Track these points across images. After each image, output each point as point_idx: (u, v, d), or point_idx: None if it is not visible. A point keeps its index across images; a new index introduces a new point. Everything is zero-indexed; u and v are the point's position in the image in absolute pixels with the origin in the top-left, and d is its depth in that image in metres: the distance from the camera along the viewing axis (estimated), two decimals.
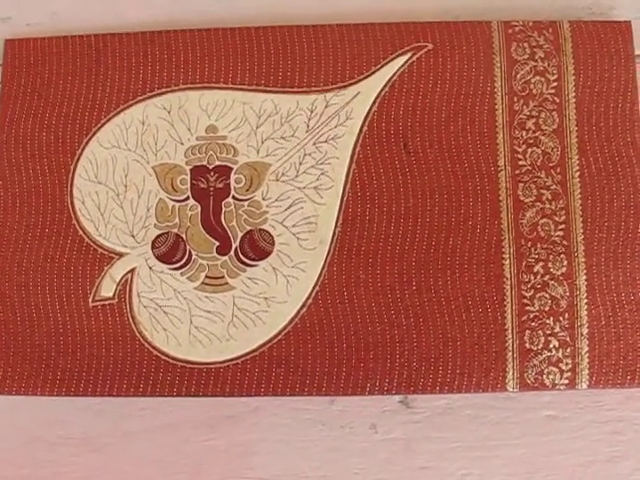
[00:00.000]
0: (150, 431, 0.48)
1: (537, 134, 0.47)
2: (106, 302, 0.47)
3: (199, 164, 0.48)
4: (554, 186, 0.47)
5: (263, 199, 0.47)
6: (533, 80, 0.48)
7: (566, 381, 0.45)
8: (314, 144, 0.47)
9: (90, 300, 0.47)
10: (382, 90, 0.48)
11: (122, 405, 0.48)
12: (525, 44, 0.48)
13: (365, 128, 0.47)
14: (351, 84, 0.48)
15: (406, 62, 0.48)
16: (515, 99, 0.47)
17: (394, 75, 0.48)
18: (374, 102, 0.48)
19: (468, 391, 0.46)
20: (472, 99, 0.47)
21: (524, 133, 0.47)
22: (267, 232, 0.47)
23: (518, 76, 0.48)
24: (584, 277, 0.46)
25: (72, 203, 0.48)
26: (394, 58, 0.48)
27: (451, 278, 0.46)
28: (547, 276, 0.46)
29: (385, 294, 0.46)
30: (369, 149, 0.47)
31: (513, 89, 0.47)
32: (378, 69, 0.48)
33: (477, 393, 0.46)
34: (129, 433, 0.48)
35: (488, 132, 0.47)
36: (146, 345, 0.47)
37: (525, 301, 0.46)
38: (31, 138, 0.48)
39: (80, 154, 0.48)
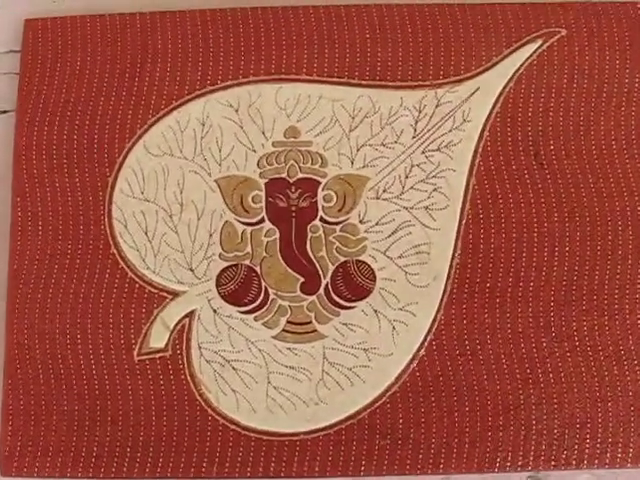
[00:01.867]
0: None
1: None
2: (157, 355, 0.36)
3: (277, 177, 0.37)
4: None
5: (360, 222, 0.37)
6: None
7: None
8: (423, 152, 0.37)
9: (136, 353, 0.36)
10: (506, 86, 0.38)
11: None
12: None
13: (486, 133, 0.38)
14: (468, 78, 0.38)
15: (535, 51, 0.38)
16: None
17: (520, 67, 0.38)
18: (497, 101, 0.38)
19: (622, 466, 0.36)
20: (617, 98, 0.38)
21: None
22: (366, 265, 0.37)
23: None
24: None
25: (111, 226, 0.37)
26: (520, 47, 0.38)
27: (599, 322, 0.37)
28: None
29: (517, 343, 0.36)
30: (492, 159, 0.37)
31: None
32: (501, 60, 0.38)
33: (634, 468, 0.36)
34: None
35: (638, 139, 0.38)
36: (209, 411, 0.36)
37: None
38: (57, 144, 0.38)
39: (121, 163, 0.37)
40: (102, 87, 0.38)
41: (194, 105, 0.38)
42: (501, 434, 0.36)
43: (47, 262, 0.37)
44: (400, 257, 0.37)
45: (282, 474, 0.36)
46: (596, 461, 0.36)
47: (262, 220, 0.37)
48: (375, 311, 0.36)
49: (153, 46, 0.38)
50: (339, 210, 0.37)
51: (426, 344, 0.36)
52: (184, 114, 0.38)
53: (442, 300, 0.37)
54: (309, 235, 0.37)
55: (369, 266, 0.37)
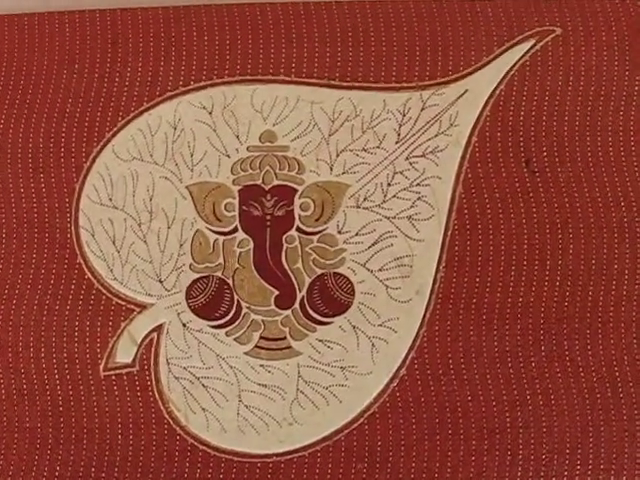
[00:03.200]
0: None
1: None
2: (123, 371, 0.34)
3: (251, 184, 0.35)
4: None
5: (339, 232, 0.35)
6: None
7: None
8: (407, 159, 0.35)
9: (102, 368, 0.35)
10: (497, 88, 0.36)
11: None
12: None
13: (475, 139, 0.35)
14: (456, 79, 0.36)
15: (527, 51, 0.36)
16: None
17: (512, 68, 0.36)
18: (486, 104, 0.36)
19: None
20: (615, 101, 0.36)
21: None
22: (345, 278, 0.35)
23: None
24: None
25: (77, 235, 0.35)
26: (512, 46, 0.36)
27: (592, 341, 0.34)
28: None
29: (504, 363, 0.34)
30: (480, 167, 0.35)
31: None
32: (491, 60, 0.36)
33: None
34: None
35: (637, 145, 0.35)
36: (178, 430, 0.34)
37: None
38: (22, 148, 0.36)
39: (89, 169, 0.36)
40: (69, 88, 0.36)
41: (165, 107, 0.36)
42: (485, 459, 0.34)
43: (11, 272, 0.35)
44: (381, 270, 0.35)
45: None
46: None
47: (235, 229, 0.35)
48: (353, 327, 0.34)
49: (123, 44, 0.36)
50: (317, 219, 0.35)
51: (407, 363, 0.34)
52: (155, 117, 0.36)
53: (425, 316, 0.34)
54: (285, 246, 0.35)
55: (348, 279, 0.35)
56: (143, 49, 0.36)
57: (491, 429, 0.34)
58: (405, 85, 0.36)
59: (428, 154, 0.35)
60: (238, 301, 0.35)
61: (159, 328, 0.35)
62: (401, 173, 0.35)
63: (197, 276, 0.35)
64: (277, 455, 0.34)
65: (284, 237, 0.35)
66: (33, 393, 0.35)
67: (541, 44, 0.36)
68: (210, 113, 0.36)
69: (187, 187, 0.35)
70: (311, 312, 0.34)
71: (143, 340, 0.35)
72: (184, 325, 0.35)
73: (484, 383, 0.34)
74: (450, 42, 0.36)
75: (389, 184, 0.35)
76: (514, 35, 0.36)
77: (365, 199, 0.35)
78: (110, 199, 0.35)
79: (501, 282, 0.35)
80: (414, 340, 0.34)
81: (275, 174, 0.35)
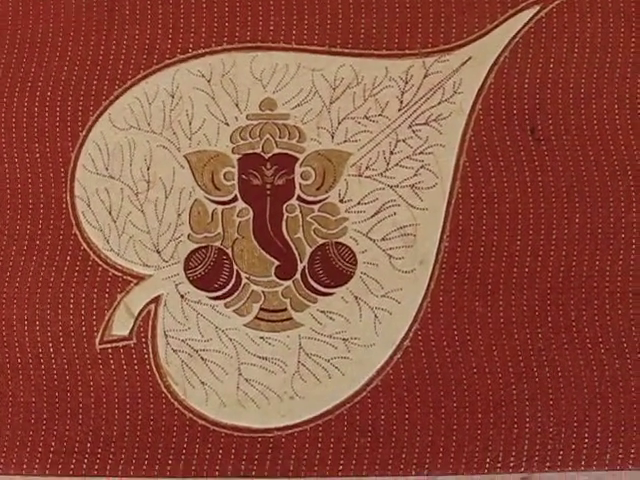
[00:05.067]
0: None
1: None
2: (120, 344, 0.34)
3: (251, 152, 0.34)
4: None
5: (340, 201, 0.34)
6: None
7: None
8: (410, 127, 0.34)
9: (98, 341, 0.34)
10: (501, 55, 0.35)
11: None
12: None
13: (479, 106, 0.35)
14: (459, 46, 0.35)
15: (532, 18, 0.35)
16: None
17: (516, 35, 0.35)
18: (490, 71, 0.35)
19: (623, 467, 0.33)
20: (621, 69, 0.35)
21: None
22: (347, 247, 0.34)
23: None
24: None
25: (73, 205, 0.34)
26: (516, 13, 0.35)
27: (599, 312, 0.34)
28: None
29: (509, 334, 0.33)
30: (484, 134, 0.34)
31: None
32: (495, 27, 0.35)
33: (635, 470, 0.33)
34: None
35: None
36: (176, 405, 0.33)
37: None
38: (17, 117, 0.35)
39: (85, 137, 0.35)
40: (65, 56, 0.35)
41: (163, 75, 0.35)
42: (491, 432, 0.33)
43: (4, 244, 0.34)
44: (384, 239, 0.34)
45: (253, 473, 0.33)
46: (595, 462, 0.33)
47: (234, 199, 0.34)
48: (356, 298, 0.34)
49: (120, 12, 0.35)
50: (318, 188, 0.34)
51: (411, 334, 0.33)
52: (152, 85, 0.35)
53: (429, 286, 0.34)
54: (285, 215, 0.34)
55: (350, 249, 0.34)
56: (140, 16, 0.35)
57: (497, 402, 0.33)
58: (408, 52, 0.35)
59: (431, 122, 0.35)
60: (237, 272, 0.34)
61: (157, 300, 0.34)
62: (404, 141, 0.34)
63: (195, 246, 0.34)
64: (278, 429, 0.33)
65: (284, 206, 0.34)
66: (27, 367, 0.34)
67: (546, 10, 0.35)
68: (209, 81, 0.35)
69: (185, 156, 0.34)
70: (312, 283, 0.34)
71: (140, 312, 0.34)
72: (182, 296, 0.34)
73: (490, 355, 0.33)
74: (453, 9, 0.35)
75: (392, 152, 0.34)
76: (518, 2, 0.35)
77: (367, 167, 0.34)
78: (106, 168, 0.35)
79: (506, 252, 0.34)
80: (418, 311, 0.33)
81: (275, 142, 0.34)
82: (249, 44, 0.35)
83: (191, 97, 0.35)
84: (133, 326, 0.34)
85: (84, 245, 0.34)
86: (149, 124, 0.35)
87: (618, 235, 0.34)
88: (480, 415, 0.33)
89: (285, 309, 0.34)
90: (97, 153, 0.35)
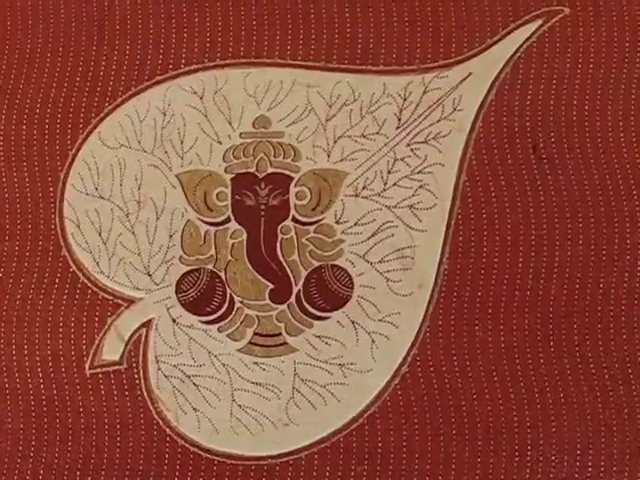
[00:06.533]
0: None
1: None
2: (110, 369, 0.33)
3: (244, 172, 0.33)
4: None
5: (337, 222, 0.33)
6: None
7: None
8: (408, 145, 0.34)
9: (87, 366, 0.33)
10: (502, 71, 0.34)
11: None
12: None
13: (479, 124, 0.34)
14: (459, 62, 0.34)
15: (534, 33, 0.34)
16: None
17: (518, 50, 0.34)
18: (491, 87, 0.34)
19: None
20: (626, 85, 0.34)
21: None
22: (343, 270, 0.33)
23: None
24: None
25: (62, 226, 0.34)
26: (518, 27, 0.34)
27: (603, 336, 0.33)
28: None
29: (511, 359, 0.32)
30: (485, 153, 0.33)
31: None
32: (496, 42, 0.34)
33: None
34: None
35: None
36: (168, 431, 0.32)
37: None
38: (5, 135, 0.34)
39: (74, 156, 0.34)
40: (54, 72, 0.34)
41: (155, 92, 0.34)
42: (492, 461, 0.32)
43: None
44: (381, 262, 0.33)
45: None
46: None
47: (227, 220, 0.33)
48: (352, 322, 0.33)
49: (110, 26, 0.34)
50: (313, 209, 0.33)
51: (409, 359, 0.33)
52: (143, 102, 0.34)
53: (428, 310, 0.33)
54: (280, 237, 0.33)
55: (346, 272, 0.33)
56: (131, 30, 0.34)
57: (498, 429, 0.32)
58: (406, 68, 0.34)
59: (430, 140, 0.34)
60: (231, 295, 0.33)
61: (148, 324, 0.33)
62: (402, 160, 0.33)
63: (188, 269, 0.33)
64: (272, 457, 0.32)
65: (279, 227, 0.33)
66: (15, 392, 0.33)
67: (548, 25, 0.34)
68: (201, 98, 0.34)
69: (177, 175, 0.34)
70: (308, 307, 0.33)
71: (131, 336, 0.33)
72: (174, 321, 0.33)
73: (490, 381, 0.32)
74: (453, 23, 0.34)
75: (389, 172, 0.33)
76: (520, 15, 0.34)
77: (364, 187, 0.33)
78: (96, 188, 0.34)
79: (508, 274, 0.33)
80: (416, 336, 0.33)
81: (269, 161, 0.33)
82: (243, 60, 0.34)
83: (183, 115, 0.34)
84: (124, 351, 0.33)
85: (73, 267, 0.33)
86: (140, 142, 0.34)
87: (623, 256, 0.33)
88: (480, 443, 0.32)
89: (280, 334, 0.33)
90: (87, 172, 0.34)
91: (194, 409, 0.33)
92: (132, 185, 0.34)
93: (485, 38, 0.34)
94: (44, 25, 0.35)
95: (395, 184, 0.33)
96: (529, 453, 0.32)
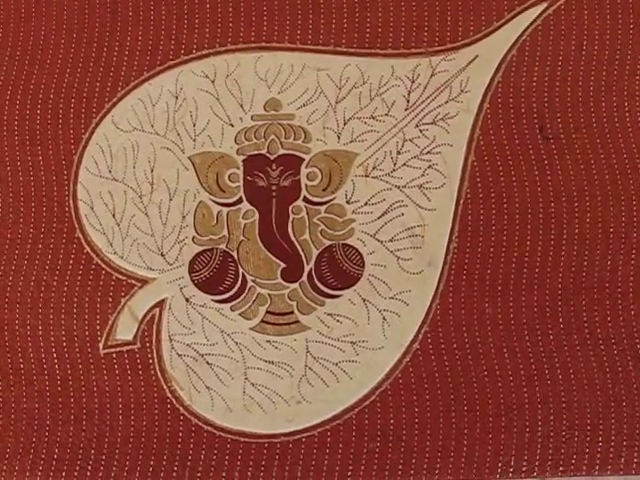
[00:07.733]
0: None
1: None
2: (124, 348, 0.33)
3: (256, 153, 0.34)
4: None
5: (347, 202, 0.34)
6: None
7: None
8: (417, 126, 0.34)
9: (101, 346, 0.33)
10: (508, 53, 0.34)
11: None
12: None
13: (486, 105, 0.34)
14: (466, 44, 0.35)
15: (540, 15, 0.35)
16: None
17: (524, 33, 0.35)
18: (498, 69, 0.34)
19: (639, 472, 0.32)
20: (631, 65, 0.34)
21: None
22: (354, 249, 0.33)
23: None
24: None
25: (76, 208, 0.34)
26: (524, 10, 0.35)
27: (612, 312, 0.33)
28: None
29: (520, 335, 0.33)
30: (493, 133, 0.34)
31: None
32: (502, 25, 0.35)
33: None
34: None
35: None
36: (182, 410, 0.33)
37: None
38: (19, 120, 0.35)
39: (88, 140, 0.34)
40: (68, 58, 0.35)
41: (167, 76, 0.35)
42: (503, 436, 0.32)
43: (7, 247, 0.34)
44: (391, 241, 0.33)
45: (260, 479, 0.32)
46: (609, 467, 0.32)
47: (240, 200, 0.34)
48: (364, 300, 0.33)
49: (122, 13, 0.35)
50: (324, 189, 0.34)
51: (420, 337, 0.33)
52: (156, 86, 0.35)
53: (438, 288, 0.33)
54: (291, 217, 0.34)
55: (357, 250, 0.33)
56: (143, 17, 0.35)
57: (508, 405, 0.32)
58: (414, 51, 0.35)
59: (438, 121, 0.34)
60: (243, 274, 0.33)
61: (161, 303, 0.33)
62: (411, 141, 0.34)
63: (200, 249, 0.33)
64: (285, 435, 0.33)
65: (290, 208, 0.34)
66: (30, 373, 0.33)
67: (553, 7, 0.35)
68: (213, 82, 0.35)
69: (189, 157, 0.34)
70: (319, 285, 0.33)
71: (144, 316, 0.33)
72: (187, 300, 0.33)
73: (500, 357, 0.33)
74: (460, 6, 0.35)
75: (399, 152, 0.34)
76: None
77: (374, 168, 0.34)
78: (110, 171, 0.34)
79: (516, 252, 0.33)
80: (427, 313, 0.33)
81: (280, 143, 0.34)
82: (253, 44, 0.35)
83: (195, 98, 0.34)
84: (137, 330, 0.33)
85: (87, 248, 0.34)
86: (153, 126, 0.34)
87: (630, 234, 0.33)
88: (491, 419, 0.32)
89: (292, 312, 0.33)
90: (100, 155, 0.34)
91: (207, 388, 0.33)
92: (145, 167, 0.34)
93: (491, 21, 0.35)
94: (58, 12, 0.35)
95: (404, 164, 0.34)
96: (540, 429, 0.32)
